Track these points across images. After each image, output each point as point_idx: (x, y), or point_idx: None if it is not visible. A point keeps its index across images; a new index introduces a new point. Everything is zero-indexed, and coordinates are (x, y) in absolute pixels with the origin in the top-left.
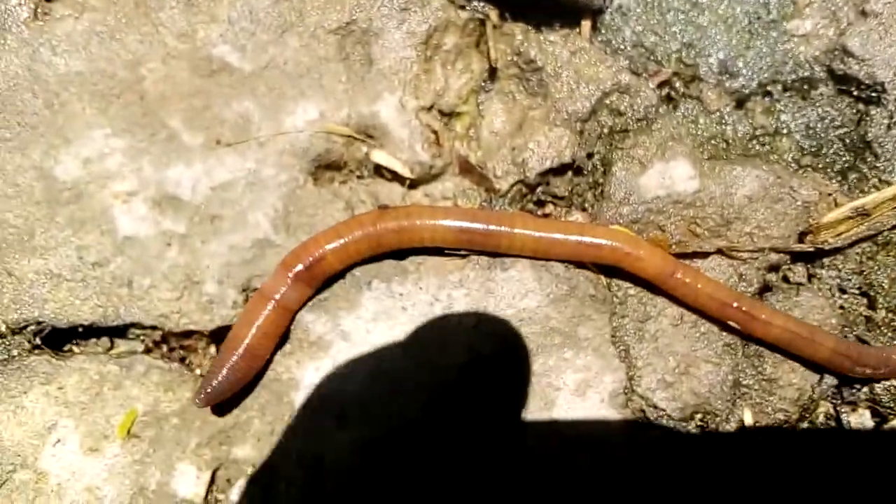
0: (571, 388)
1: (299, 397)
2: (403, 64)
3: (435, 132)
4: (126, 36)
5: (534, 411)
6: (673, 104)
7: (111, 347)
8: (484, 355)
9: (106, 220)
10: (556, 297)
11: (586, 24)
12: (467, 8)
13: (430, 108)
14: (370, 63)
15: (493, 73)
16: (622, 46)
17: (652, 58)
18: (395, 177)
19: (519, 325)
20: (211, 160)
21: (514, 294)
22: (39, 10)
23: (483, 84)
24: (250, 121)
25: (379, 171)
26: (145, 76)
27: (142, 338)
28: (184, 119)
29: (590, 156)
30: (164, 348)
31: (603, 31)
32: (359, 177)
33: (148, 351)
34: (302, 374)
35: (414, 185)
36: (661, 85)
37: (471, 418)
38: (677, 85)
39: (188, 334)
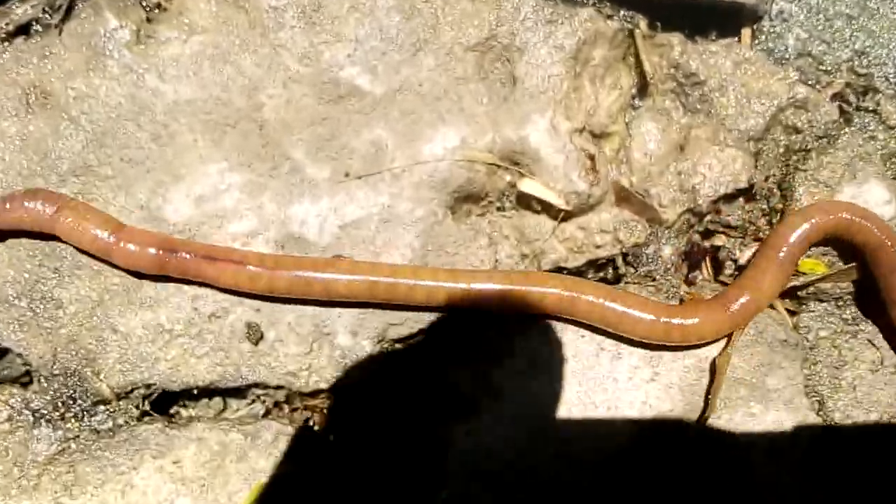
0: (765, 447)
1: (448, 464)
2: (552, 82)
3: (591, 157)
4: (241, 59)
5: (725, 481)
6: (845, 117)
7: (223, 409)
8: (659, 414)
9: None
10: (741, 343)
11: (746, 33)
12: (615, 18)
13: (581, 130)
14: (514, 82)
15: (643, 88)
16: (786, 56)
17: (821, 68)
18: (546, 208)
19: (699, 376)
20: (340, 195)
21: None
22: (142, 33)
23: (632, 101)
24: (383, 150)
25: (523, 202)
26: (264, 103)
27: (263, 399)
28: (308, 150)
29: (764, 179)
30: (286, 409)
31: (763, 39)
32: (499, 209)
33: (266, 413)
34: (449, 437)
35: (566, 217)
36: (832, 98)
37: (648, 488)
38: (850, 97)
39: (315, 393)
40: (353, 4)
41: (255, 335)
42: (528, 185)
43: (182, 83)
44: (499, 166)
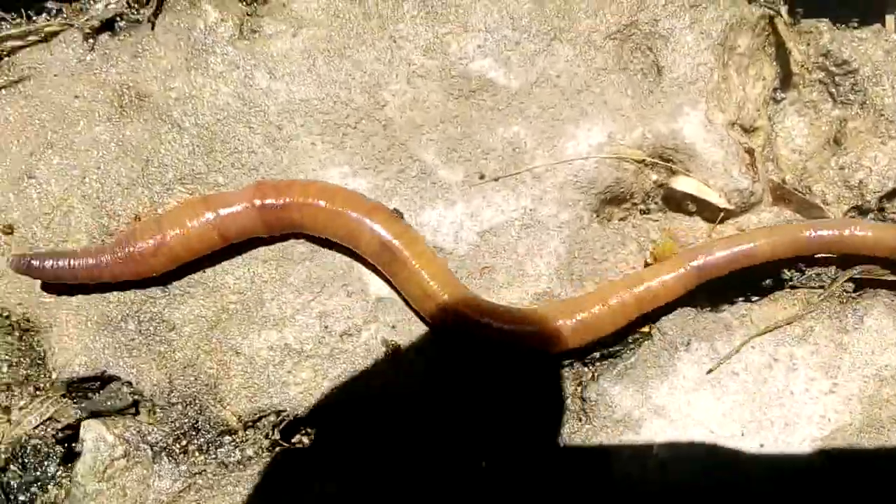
0: None
1: (614, 487)
2: (701, 71)
3: (749, 152)
4: (358, 53)
5: None
6: None
7: None
8: (838, 428)
9: (352, 279)
10: None
11: (891, 19)
12: (756, 3)
13: (733, 124)
14: (658, 72)
15: (785, 79)
16: None
17: None
18: (701, 209)
19: (879, 387)
20: (476, 199)
21: (872, 348)
22: (246, 27)
23: (773, 94)
24: (521, 149)
25: (672, 202)
26: (387, 101)
27: None
28: (438, 150)
29: None
30: None
31: None
32: (642, 211)
33: None
34: (611, 462)
35: (724, 217)
36: None
37: None
38: None
39: None
40: None
41: (395, 353)
42: (684, 184)
43: (296, 81)
44: (650, 163)
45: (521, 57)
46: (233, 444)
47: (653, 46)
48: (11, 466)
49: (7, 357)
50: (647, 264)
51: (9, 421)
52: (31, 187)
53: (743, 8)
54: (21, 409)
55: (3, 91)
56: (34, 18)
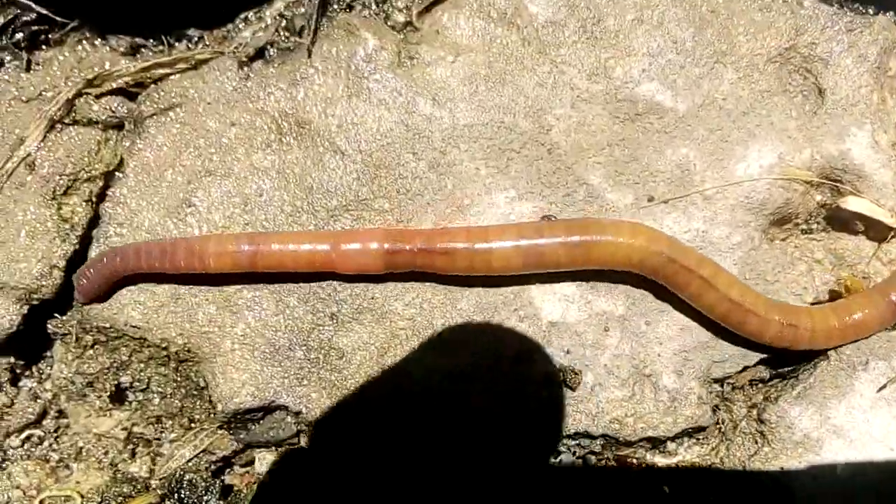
0: None
1: None
2: (862, 93)
3: None
4: (520, 79)
5: None
6: None
7: None
8: None
9: (523, 304)
10: None
11: None
12: None
13: (894, 145)
14: (820, 94)
15: None
16: None
17: None
18: (868, 228)
19: None
20: (646, 222)
21: None
22: (403, 54)
23: None
24: (690, 171)
25: (837, 222)
26: (552, 125)
27: (573, 449)
28: (606, 173)
29: None
30: (607, 459)
31: None
32: (804, 231)
33: (586, 465)
34: (791, 483)
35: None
36: None
37: None
38: None
39: (635, 443)
40: (638, 17)
41: (572, 380)
42: (856, 204)
43: (458, 107)
44: (818, 184)
45: (686, 80)
46: None
47: (812, 69)
48: (167, 502)
49: (160, 389)
50: (833, 296)
51: (158, 454)
52: (190, 216)
53: (894, 31)
54: (172, 441)
55: (153, 119)
56: (175, 45)
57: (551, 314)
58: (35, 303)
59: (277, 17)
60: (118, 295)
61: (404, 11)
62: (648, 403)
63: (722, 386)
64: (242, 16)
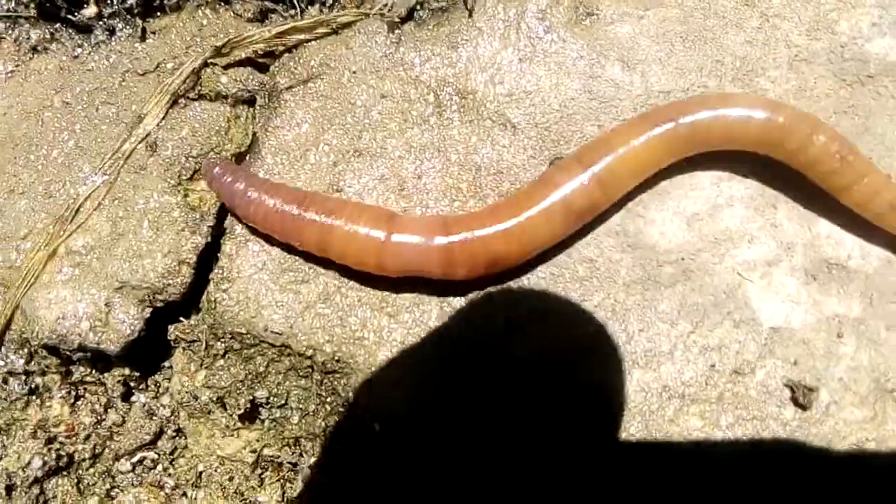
0: None
1: None
2: None
3: None
4: (723, 36)
5: None
6: None
7: None
8: None
9: (738, 305)
10: None
11: None
12: None
13: None
14: None
15: None
16: None
17: None
18: None
19: None
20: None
21: None
22: (581, 10)
23: None
24: None
25: None
26: (766, 89)
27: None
28: None
29: None
30: None
31: None
32: None
33: None
34: None
35: None
36: None
37: None
38: None
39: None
40: None
41: (805, 397)
42: None
43: (651, 70)
44: None
45: None
46: None
47: None
48: None
49: (300, 405)
50: None
51: (290, 481)
52: None
53: None
54: (313, 467)
55: (291, 92)
56: (307, 9)
57: (773, 318)
58: (159, 304)
59: None
60: (256, 295)
61: None
62: (892, 425)
63: None
64: None
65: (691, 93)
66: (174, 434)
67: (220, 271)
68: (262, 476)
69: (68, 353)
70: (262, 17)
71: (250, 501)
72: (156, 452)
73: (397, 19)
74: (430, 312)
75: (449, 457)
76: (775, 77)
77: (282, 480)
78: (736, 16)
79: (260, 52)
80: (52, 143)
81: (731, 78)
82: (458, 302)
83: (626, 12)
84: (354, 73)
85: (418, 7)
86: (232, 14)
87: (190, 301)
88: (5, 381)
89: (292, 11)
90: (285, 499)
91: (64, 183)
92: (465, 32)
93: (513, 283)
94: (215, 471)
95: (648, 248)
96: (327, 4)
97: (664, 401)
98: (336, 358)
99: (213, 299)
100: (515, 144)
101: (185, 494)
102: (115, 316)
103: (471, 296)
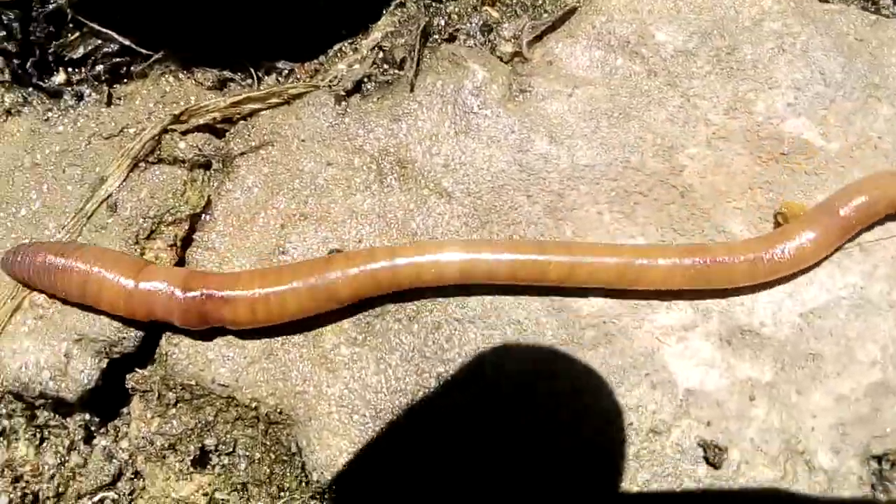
0: None
1: None
2: None
3: None
4: (647, 115)
5: None
6: None
7: None
8: None
9: (655, 367)
10: None
11: None
12: None
13: None
14: None
15: None
16: None
17: None
18: None
19: None
20: (796, 276)
21: None
22: (514, 87)
23: None
24: None
25: None
26: (685, 165)
27: None
28: (747, 220)
29: None
30: None
31: None
32: None
33: None
34: None
35: None
36: None
37: None
38: None
39: None
40: (778, 46)
41: (716, 457)
42: None
43: (578, 145)
44: None
45: (836, 116)
46: None
47: None
48: None
49: (247, 453)
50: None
51: None
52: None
53: None
54: None
55: (243, 158)
56: (264, 79)
57: (688, 380)
58: (115, 356)
59: (374, 49)
60: (205, 349)
61: (512, 41)
62: (802, 484)
63: (880, 464)
64: (336, 47)
65: (616, 167)
66: (132, 476)
67: (172, 327)
68: None
69: (31, 399)
70: (220, 85)
71: None
72: (116, 493)
73: (343, 92)
74: (367, 368)
75: None
76: (694, 154)
77: None
78: (659, 95)
79: (217, 119)
80: (21, 201)
81: (651, 154)
82: (393, 358)
83: (556, 90)
84: (303, 141)
85: (365, 80)
86: (193, 82)
87: (145, 352)
88: None
89: (249, 81)
90: None
91: (30, 239)
92: (406, 106)
93: (442, 338)
94: None
95: (572, 312)
96: (283, 74)
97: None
98: (279, 410)
99: (164, 353)
100: (450, 212)
101: None
102: (74, 366)
103: (403, 350)
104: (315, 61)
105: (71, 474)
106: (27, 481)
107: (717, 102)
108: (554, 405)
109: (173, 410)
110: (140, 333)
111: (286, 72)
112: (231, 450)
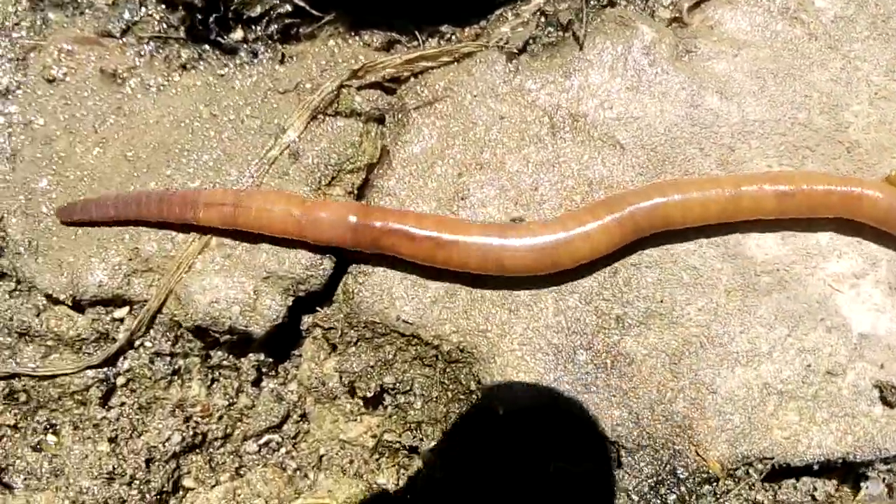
0: None
1: None
2: None
3: None
4: (810, 74)
5: None
6: None
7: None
8: None
9: (829, 313)
10: None
11: None
12: None
13: None
14: None
15: None
16: None
17: None
18: None
19: None
20: None
21: None
22: (681, 48)
23: None
24: None
25: None
26: (850, 122)
27: (884, 476)
28: None
29: None
30: None
31: None
32: None
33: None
34: None
35: None
36: None
37: None
38: None
39: None
40: None
41: (893, 396)
42: None
43: (747, 101)
44: None
45: None
46: (713, 494)
47: None
48: None
49: (423, 392)
50: None
51: (404, 466)
52: (463, 209)
53: None
54: (433, 450)
55: (418, 111)
56: (427, 41)
57: (861, 325)
58: (301, 294)
59: (536, 13)
60: (389, 288)
61: (671, 7)
62: None
63: None
64: (497, 12)
65: (785, 123)
66: (298, 419)
67: (358, 266)
68: (380, 461)
69: (217, 334)
70: (387, 46)
71: (371, 483)
72: (280, 436)
73: (515, 50)
74: (547, 309)
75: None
76: (858, 111)
77: (397, 466)
78: (821, 57)
79: (388, 77)
80: (202, 149)
81: (818, 111)
82: (573, 300)
83: (721, 50)
84: (475, 96)
85: (530, 42)
86: (361, 43)
87: (329, 292)
88: (152, 362)
89: (415, 43)
90: (400, 482)
91: (213, 185)
92: (577, 63)
93: (621, 281)
94: (336, 454)
95: (746, 259)
96: (446, 38)
97: (765, 396)
98: (461, 348)
99: (350, 290)
100: (624, 163)
101: (306, 475)
102: (262, 302)
103: (583, 293)
104: (476, 26)
105: (239, 416)
106: (196, 421)
107: (878, 64)
108: None
109: (353, 349)
110: (328, 272)
111: (449, 35)
112: (408, 388)
